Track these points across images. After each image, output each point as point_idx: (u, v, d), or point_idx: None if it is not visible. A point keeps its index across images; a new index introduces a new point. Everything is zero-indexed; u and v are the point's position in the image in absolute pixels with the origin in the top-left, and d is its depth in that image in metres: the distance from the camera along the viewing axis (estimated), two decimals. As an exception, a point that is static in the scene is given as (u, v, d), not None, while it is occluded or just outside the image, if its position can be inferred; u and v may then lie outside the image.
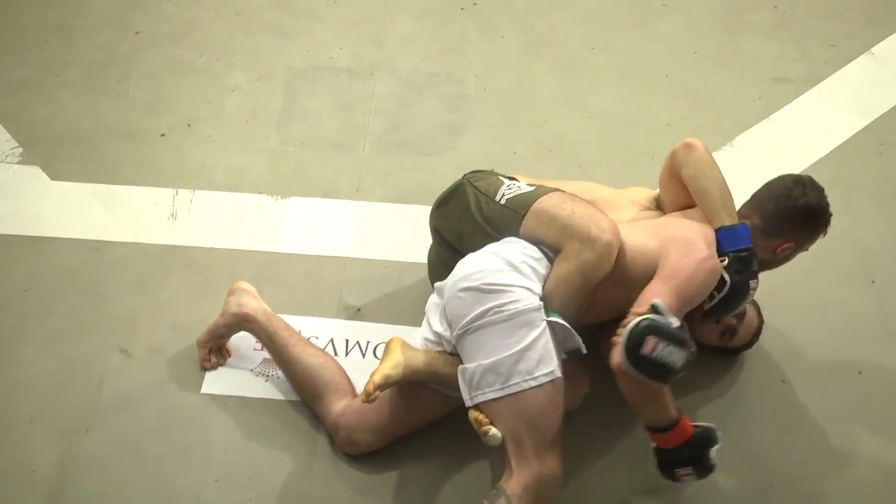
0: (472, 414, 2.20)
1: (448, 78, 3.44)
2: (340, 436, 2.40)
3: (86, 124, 3.22)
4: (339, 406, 2.42)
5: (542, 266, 2.30)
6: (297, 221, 2.96)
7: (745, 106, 3.38)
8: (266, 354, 2.59)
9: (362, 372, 2.41)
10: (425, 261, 2.69)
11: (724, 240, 2.34)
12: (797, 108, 3.35)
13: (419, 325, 2.50)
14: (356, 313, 2.71)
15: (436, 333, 2.33)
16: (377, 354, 2.61)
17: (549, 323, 2.22)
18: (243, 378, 2.56)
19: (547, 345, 2.19)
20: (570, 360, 2.29)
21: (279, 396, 2.53)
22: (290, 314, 2.68)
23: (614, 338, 2.18)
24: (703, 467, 2.25)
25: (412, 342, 2.36)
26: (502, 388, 2.17)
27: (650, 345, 2.11)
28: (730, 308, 2.36)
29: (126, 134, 3.19)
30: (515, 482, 2.16)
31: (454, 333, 2.26)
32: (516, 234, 2.36)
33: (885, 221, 3.02)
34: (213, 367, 2.57)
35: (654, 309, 2.17)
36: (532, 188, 2.44)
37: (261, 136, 3.21)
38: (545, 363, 2.18)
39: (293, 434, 2.46)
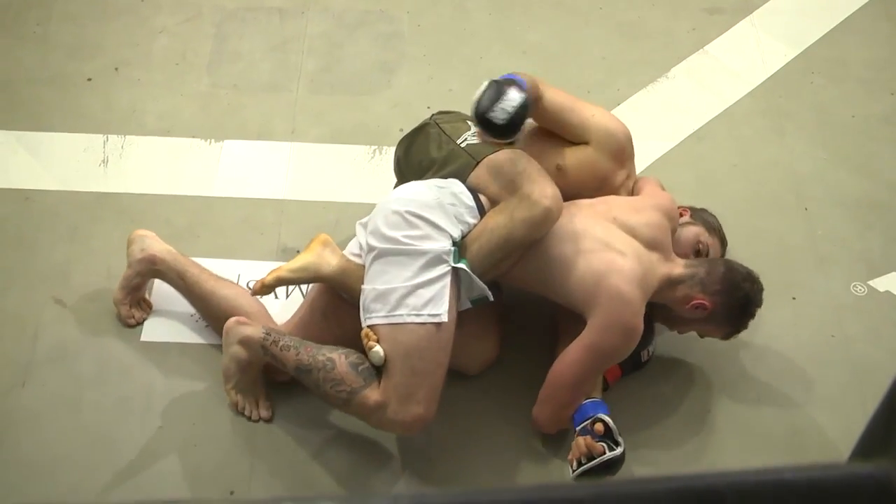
0: (364, 330, 2.21)
1: (381, 16, 3.39)
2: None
3: (5, 70, 3.11)
4: None
5: (470, 215, 2.28)
6: (231, 165, 2.91)
7: (678, 38, 3.39)
8: (205, 300, 2.56)
9: (304, 314, 2.40)
10: (363, 201, 2.67)
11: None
12: (730, 39, 3.37)
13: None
14: (295, 255, 2.69)
15: (360, 245, 2.34)
16: (318, 296, 2.60)
17: (455, 269, 2.20)
18: (183, 324, 2.54)
19: (443, 289, 2.18)
20: (481, 322, 2.31)
21: (220, 342, 2.50)
22: (228, 258, 2.66)
23: (573, 455, 2.21)
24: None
25: (350, 249, 2.39)
26: (386, 316, 2.18)
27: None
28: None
29: (50, 79, 3.09)
30: (373, 397, 2.18)
31: (366, 252, 2.28)
32: (463, 180, 2.33)
33: (816, 149, 3.07)
34: (139, 322, 2.52)
35: (606, 427, 2.21)
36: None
37: (192, 79, 3.14)
38: (434, 304, 2.17)
39: (236, 379, 2.45)
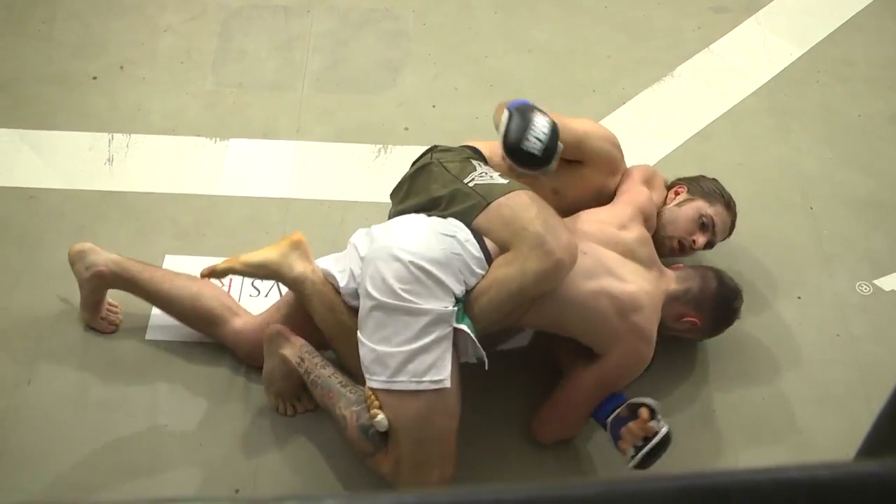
0: (367, 392, 2.13)
1: (386, 14, 3.39)
2: (243, 350, 2.41)
3: (10, 68, 3.12)
4: (237, 323, 2.42)
5: (477, 266, 2.16)
6: (236, 163, 2.91)
7: (684, 36, 3.38)
8: (210, 299, 2.57)
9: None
10: (368, 200, 2.67)
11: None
12: (736, 38, 3.37)
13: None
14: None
15: (352, 275, 2.23)
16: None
17: (457, 330, 2.10)
18: (188, 323, 2.54)
19: (445, 352, 2.07)
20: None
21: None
22: (234, 257, 2.66)
23: (626, 443, 2.18)
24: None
25: (326, 262, 2.31)
26: (386, 382, 2.08)
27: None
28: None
29: (55, 78, 3.10)
30: (386, 464, 2.15)
31: (363, 294, 2.14)
32: (468, 223, 2.21)
33: (822, 148, 3.06)
34: (118, 326, 2.50)
35: (651, 410, 2.19)
36: (505, 181, 2.25)
37: (197, 78, 3.14)
38: (436, 370, 2.06)
39: (242, 378, 2.44)
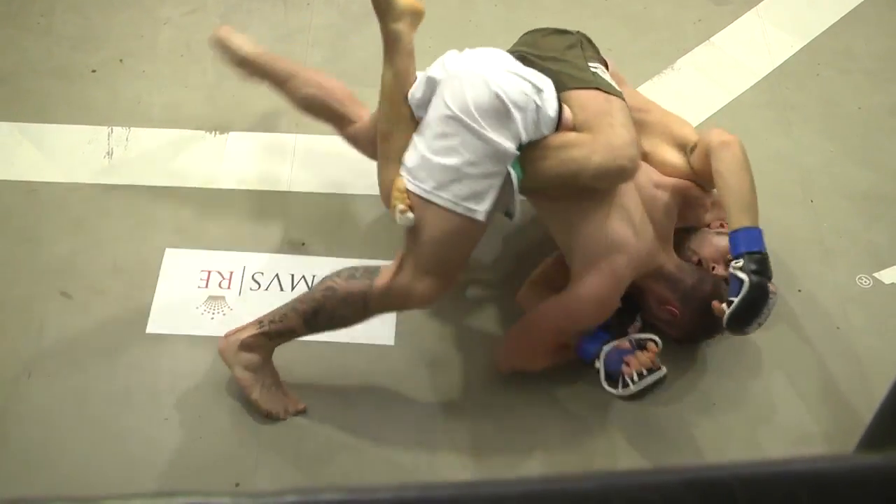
0: (399, 182, 2.19)
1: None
2: (363, 149, 2.55)
3: (10, 61, 3.11)
4: (349, 130, 2.58)
5: (546, 127, 2.21)
6: (237, 156, 2.91)
7: (685, 29, 3.37)
8: (212, 292, 2.57)
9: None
10: (368, 193, 2.67)
11: (741, 240, 2.24)
12: (736, 30, 3.36)
13: (365, 257, 2.56)
14: (301, 247, 2.69)
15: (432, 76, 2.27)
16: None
17: (508, 174, 2.17)
18: (189, 317, 2.54)
19: (491, 188, 2.16)
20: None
21: (223, 330, 2.51)
22: (233, 250, 2.66)
23: (632, 368, 2.30)
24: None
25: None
26: (428, 192, 2.16)
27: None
28: (751, 313, 2.19)
29: (54, 71, 3.09)
30: (384, 280, 2.22)
31: (436, 104, 2.20)
32: (564, 87, 2.28)
33: (823, 141, 3.06)
34: None
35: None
36: (619, 89, 2.37)
37: (196, 71, 3.13)
38: (477, 200, 2.15)
39: (241, 371, 2.45)
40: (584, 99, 2.28)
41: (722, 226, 2.52)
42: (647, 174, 2.41)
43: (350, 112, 2.58)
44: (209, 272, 2.63)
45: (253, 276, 2.61)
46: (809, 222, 2.85)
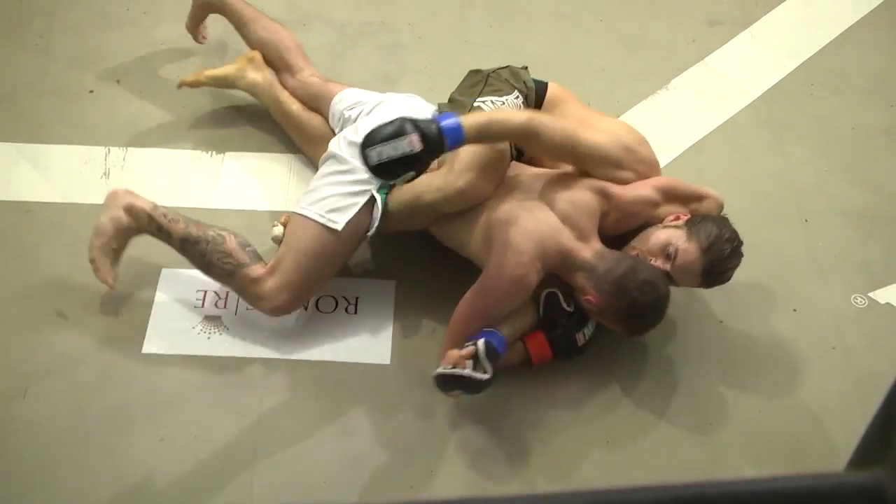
0: (286, 213, 2.56)
1: (382, 27, 3.40)
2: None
3: (7, 81, 3.12)
4: (290, 81, 2.94)
5: None
6: (233, 177, 2.92)
7: (679, 49, 3.39)
8: (208, 312, 2.57)
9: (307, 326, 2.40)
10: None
11: (440, 116, 2.32)
12: (730, 51, 3.38)
13: (358, 276, 2.63)
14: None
15: (343, 110, 2.74)
16: (319, 307, 2.60)
17: (373, 199, 2.47)
18: (185, 336, 2.54)
19: (354, 206, 2.46)
20: None
21: (222, 354, 2.51)
22: (230, 270, 2.66)
23: (444, 361, 2.33)
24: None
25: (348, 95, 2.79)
26: (301, 208, 2.50)
27: (455, 393, 2.35)
28: (377, 135, 2.24)
29: (52, 91, 3.10)
30: (257, 273, 2.47)
31: (333, 141, 2.61)
32: None
33: (817, 160, 3.07)
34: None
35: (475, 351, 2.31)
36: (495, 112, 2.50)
37: (193, 92, 3.13)
38: (339, 213, 2.46)
39: (238, 391, 2.45)
40: None
41: (677, 218, 2.45)
42: (552, 179, 2.48)
43: (295, 62, 2.93)
44: (205, 292, 2.63)
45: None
46: (804, 241, 2.86)
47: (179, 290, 2.62)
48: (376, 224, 2.48)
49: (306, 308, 2.59)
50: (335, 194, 2.48)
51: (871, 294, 2.74)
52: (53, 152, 2.93)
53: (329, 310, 2.61)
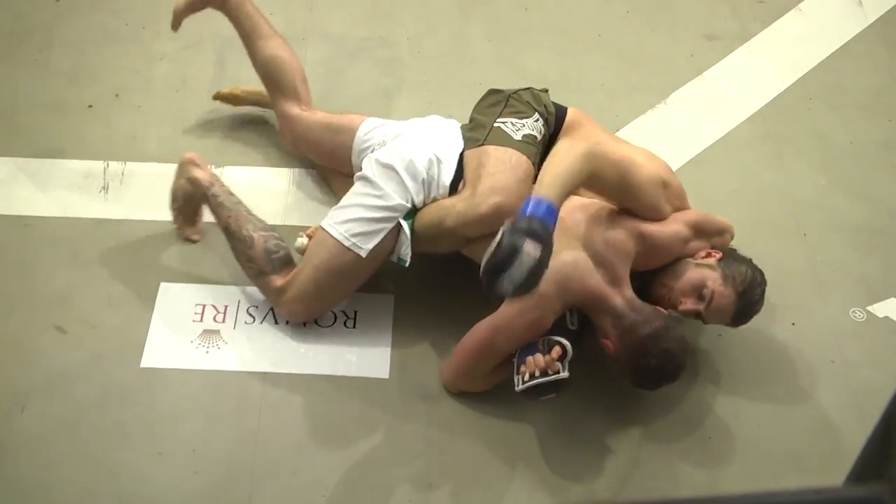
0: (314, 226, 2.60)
1: (381, 42, 3.41)
2: (287, 136, 2.90)
3: (6, 96, 3.12)
4: (294, 109, 2.86)
5: (438, 190, 2.51)
6: (232, 190, 2.91)
7: (677, 64, 3.40)
8: (206, 326, 2.57)
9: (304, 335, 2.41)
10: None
11: (526, 204, 2.12)
12: (729, 65, 3.39)
13: (355, 289, 2.60)
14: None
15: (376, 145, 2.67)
16: (318, 321, 2.60)
17: (400, 226, 2.47)
18: (184, 351, 2.53)
19: (380, 232, 2.46)
20: None
21: (221, 368, 2.51)
22: (229, 284, 2.66)
23: (526, 369, 2.31)
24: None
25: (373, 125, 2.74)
26: (328, 225, 2.51)
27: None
28: (497, 267, 2.08)
29: (51, 106, 3.10)
30: (278, 282, 2.54)
31: (365, 163, 2.59)
32: (464, 150, 2.55)
33: (815, 175, 3.08)
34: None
35: (563, 351, 2.30)
36: (519, 138, 2.51)
37: (192, 106, 3.15)
38: (364, 239, 2.46)
39: (236, 405, 2.45)
40: (469, 157, 2.51)
41: (708, 255, 2.45)
42: (593, 214, 2.43)
43: (302, 92, 2.87)
44: (204, 306, 2.63)
45: (248, 310, 2.62)
46: (803, 255, 2.86)
47: (178, 305, 2.62)
48: (407, 252, 2.48)
49: (305, 323, 2.59)
50: (363, 218, 2.47)
51: (869, 308, 2.74)
52: (52, 167, 2.93)
53: (328, 324, 2.61)
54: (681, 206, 2.51)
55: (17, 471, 2.29)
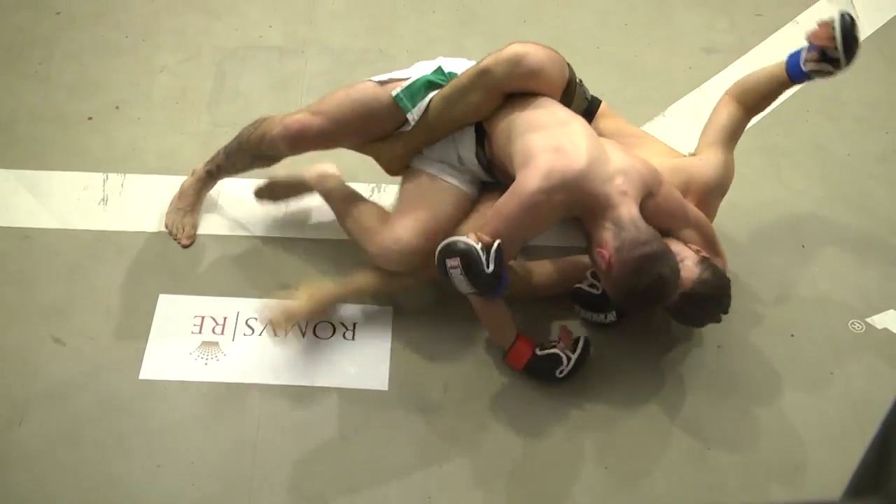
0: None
1: (380, 54, 3.42)
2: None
3: (7, 109, 3.14)
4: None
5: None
6: (231, 203, 2.92)
7: (675, 76, 3.41)
8: (205, 337, 2.57)
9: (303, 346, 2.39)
10: (362, 238, 2.69)
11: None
12: (726, 78, 3.39)
13: (358, 301, 2.57)
14: (294, 293, 2.69)
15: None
16: (317, 333, 2.60)
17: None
18: (182, 362, 2.53)
19: (407, 80, 2.57)
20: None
21: (219, 379, 2.51)
22: (228, 296, 2.66)
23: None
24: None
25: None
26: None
27: (450, 263, 2.30)
28: (853, 41, 2.54)
29: (51, 118, 3.11)
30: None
31: None
32: None
33: (813, 187, 3.08)
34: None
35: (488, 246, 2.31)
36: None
37: (192, 118, 3.16)
38: (397, 84, 2.57)
39: (235, 417, 2.45)
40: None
41: (699, 251, 2.45)
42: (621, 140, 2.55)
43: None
44: (203, 318, 2.63)
45: (246, 322, 2.62)
46: (801, 267, 2.86)
47: (177, 316, 2.62)
48: (417, 113, 2.54)
49: (304, 334, 2.59)
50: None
51: (868, 319, 2.74)
52: (52, 179, 2.93)
53: (327, 335, 2.61)
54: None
55: (15, 483, 2.29)
